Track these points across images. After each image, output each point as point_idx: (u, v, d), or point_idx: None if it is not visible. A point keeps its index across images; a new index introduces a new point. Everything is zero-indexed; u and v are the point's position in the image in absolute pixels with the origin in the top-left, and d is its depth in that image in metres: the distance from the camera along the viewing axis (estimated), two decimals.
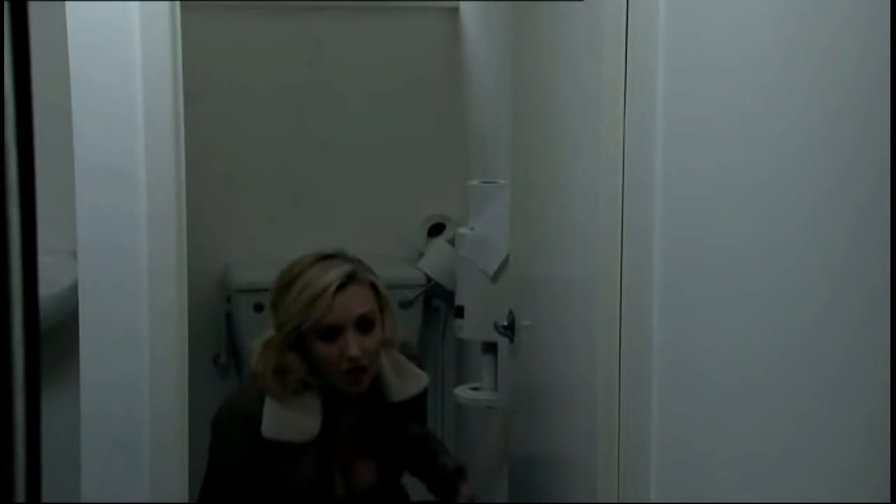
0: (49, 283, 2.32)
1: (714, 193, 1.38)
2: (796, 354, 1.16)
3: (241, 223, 3.40)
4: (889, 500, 0.97)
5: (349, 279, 2.01)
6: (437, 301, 3.43)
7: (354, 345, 1.99)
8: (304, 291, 1.99)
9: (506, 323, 2.23)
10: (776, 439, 1.22)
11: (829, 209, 1.10)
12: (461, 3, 3.53)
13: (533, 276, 2.25)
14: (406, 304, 3.21)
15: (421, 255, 3.40)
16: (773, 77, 1.22)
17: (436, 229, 3.43)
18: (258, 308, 3.20)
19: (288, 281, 2.03)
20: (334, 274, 2.00)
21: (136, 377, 1.89)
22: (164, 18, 1.84)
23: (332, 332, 2.00)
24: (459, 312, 2.83)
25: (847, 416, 1.07)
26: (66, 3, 1.80)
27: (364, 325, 2.02)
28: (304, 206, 3.36)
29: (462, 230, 2.91)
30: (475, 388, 2.83)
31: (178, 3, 1.88)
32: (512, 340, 2.26)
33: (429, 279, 3.31)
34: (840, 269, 1.08)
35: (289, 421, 2.05)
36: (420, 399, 2.22)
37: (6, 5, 0.63)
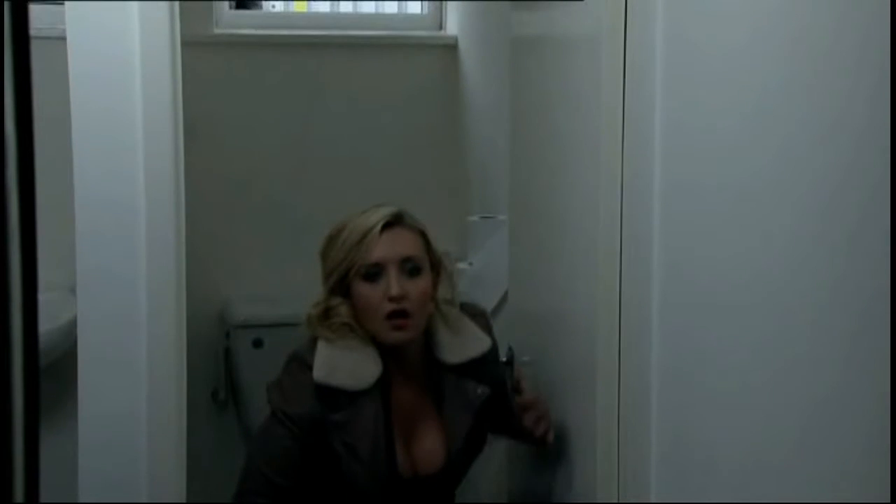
0: (48, 319, 2.32)
1: (713, 225, 1.39)
2: (797, 363, 1.16)
3: (241, 258, 3.41)
4: (889, 501, 0.97)
5: (396, 220, 1.98)
6: None
7: (396, 285, 1.92)
8: (351, 233, 1.96)
9: (505, 359, 2.23)
10: (776, 447, 1.21)
11: (827, 219, 1.10)
12: (459, 38, 3.56)
13: (532, 311, 2.25)
14: None
15: None
16: (770, 90, 1.22)
17: None
18: (257, 343, 3.19)
19: (338, 229, 2.00)
20: (381, 213, 1.97)
21: (134, 412, 1.88)
22: (165, 54, 1.85)
23: (375, 273, 1.94)
24: None
25: (847, 421, 1.06)
26: (68, 38, 1.81)
27: (409, 268, 1.96)
28: (305, 242, 3.36)
29: (461, 265, 2.91)
30: None
31: (178, 37, 1.89)
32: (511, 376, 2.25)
33: None
34: (839, 280, 1.07)
35: (341, 365, 1.95)
36: (483, 363, 2.06)
37: (7, 39, 0.63)
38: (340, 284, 1.97)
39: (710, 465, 1.39)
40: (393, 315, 1.93)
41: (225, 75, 3.39)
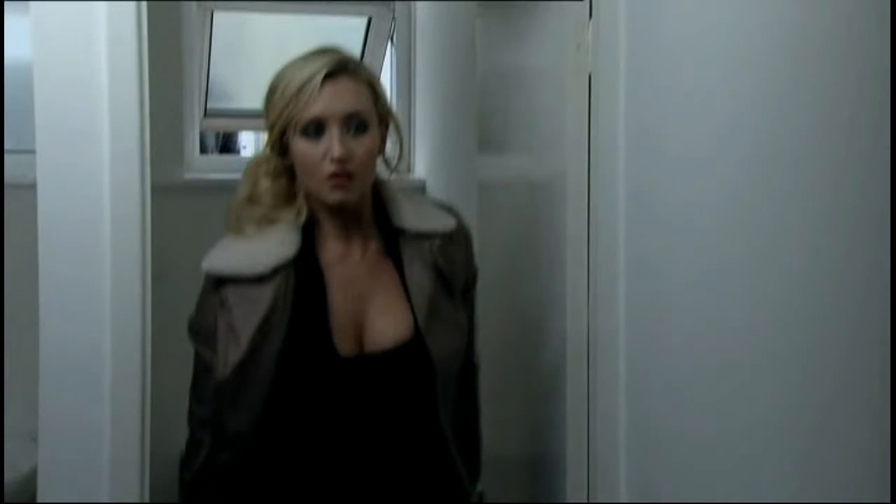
0: (7, 468, 2.27)
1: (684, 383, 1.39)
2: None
3: None
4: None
5: (341, 69, 1.72)
6: None
7: (339, 145, 1.68)
8: (290, 83, 1.72)
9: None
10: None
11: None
12: (427, 181, 3.61)
13: (504, 454, 2.23)
14: None
15: None
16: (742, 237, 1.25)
17: None
18: None
19: (279, 77, 1.76)
20: (323, 61, 1.72)
21: None
22: (135, 199, 1.86)
23: (316, 129, 1.71)
24: None
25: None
26: (38, 185, 1.82)
27: (354, 125, 1.71)
28: None
29: None
30: None
31: (148, 182, 1.91)
32: None
33: None
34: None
35: (237, 252, 1.73)
36: (448, 242, 1.81)
37: None
38: (280, 141, 1.75)
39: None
40: (334, 175, 1.71)
41: (195, 220, 3.40)
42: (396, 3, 3.81)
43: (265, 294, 1.70)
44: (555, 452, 1.86)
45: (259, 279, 1.70)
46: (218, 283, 1.74)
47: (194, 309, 1.80)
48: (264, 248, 1.73)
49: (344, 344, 1.72)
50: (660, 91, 1.44)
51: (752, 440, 1.20)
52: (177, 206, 3.18)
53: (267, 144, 1.77)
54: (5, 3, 2.11)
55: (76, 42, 1.81)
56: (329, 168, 1.70)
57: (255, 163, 1.81)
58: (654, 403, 1.47)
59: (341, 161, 1.69)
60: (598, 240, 1.65)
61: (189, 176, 3.56)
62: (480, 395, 2.02)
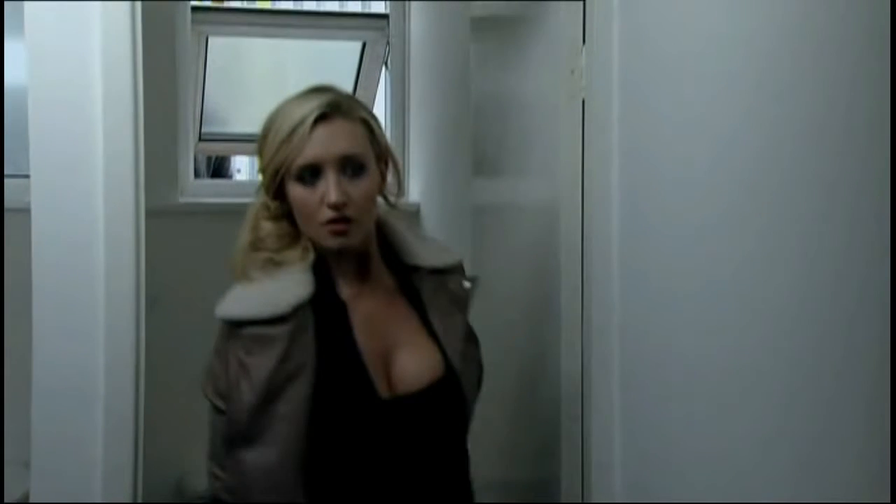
0: None
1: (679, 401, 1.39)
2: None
3: (200, 428, 3.33)
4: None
5: (333, 110, 1.64)
6: None
7: (335, 190, 1.61)
8: (281, 126, 1.63)
9: None
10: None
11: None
12: (422, 204, 3.62)
13: (497, 480, 2.22)
14: None
15: None
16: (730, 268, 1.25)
17: None
18: None
19: (271, 117, 1.67)
20: (314, 103, 1.63)
21: None
22: (129, 223, 1.86)
23: (311, 174, 1.63)
24: None
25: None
26: (32, 210, 1.82)
27: (351, 168, 1.64)
28: None
29: None
30: None
31: (142, 206, 1.91)
32: None
33: None
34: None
35: (250, 297, 1.65)
36: (455, 273, 1.78)
37: None
38: (274, 184, 1.67)
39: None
40: (332, 222, 1.64)
41: (189, 244, 3.40)
42: (391, 28, 3.83)
43: (282, 334, 1.62)
44: (557, 475, 1.85)
45: (275, 320, 1.62)
46: (232, 330, 1.66)
47: (208, 365, 1.71)
48: (281, 288, 1.65)
49: (379, 385, 1.65)
50: (653, 114, 1.45)
51: (751, 447, 1.20)
52: (170, 230, 3.18)
53: (261, 188, 1.71)
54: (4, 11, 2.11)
55: (71, 66, 1.82)
56: (326, 214, 1.62)
57: (255, 208, 1.73)
58: (649, 416, 1.46)
59: (338, 207, 1.62)
60: (593, 262, 1.65)
61: (183, 200, 3.56)
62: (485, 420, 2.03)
